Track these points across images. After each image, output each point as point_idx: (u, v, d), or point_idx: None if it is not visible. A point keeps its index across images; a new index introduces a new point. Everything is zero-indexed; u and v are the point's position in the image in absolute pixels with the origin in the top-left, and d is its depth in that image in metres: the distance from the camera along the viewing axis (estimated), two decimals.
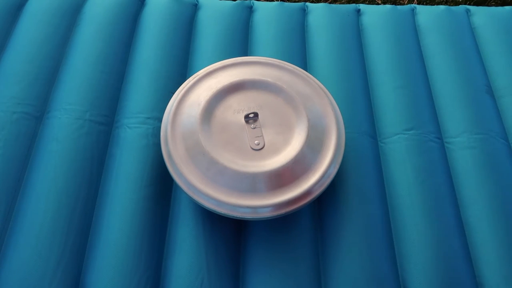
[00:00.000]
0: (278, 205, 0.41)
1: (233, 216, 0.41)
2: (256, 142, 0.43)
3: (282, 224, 0.44)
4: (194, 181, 0.41)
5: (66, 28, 0.56)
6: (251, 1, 0.63)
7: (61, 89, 0.51)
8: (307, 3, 0.63)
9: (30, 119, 0.49)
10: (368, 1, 1.28)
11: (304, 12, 0.62)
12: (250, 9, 0.62)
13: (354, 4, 0.64)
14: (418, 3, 1.29)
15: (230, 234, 0.44)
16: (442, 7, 0.64)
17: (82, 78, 0.51)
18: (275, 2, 0.63)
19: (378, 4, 1.27)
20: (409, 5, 0.64)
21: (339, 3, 1.24)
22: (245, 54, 0.57)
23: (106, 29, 0.56)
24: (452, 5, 0.66)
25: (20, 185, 0.45)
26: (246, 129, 0.44)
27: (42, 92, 0.51)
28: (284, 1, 1.11)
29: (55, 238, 0.42)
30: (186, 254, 0.43)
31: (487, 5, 1.20)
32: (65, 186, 0.45)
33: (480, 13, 0.62)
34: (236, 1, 0.62)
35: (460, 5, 0.65)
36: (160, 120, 0.48)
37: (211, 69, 0.48)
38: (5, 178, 0.45)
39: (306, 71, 0.53)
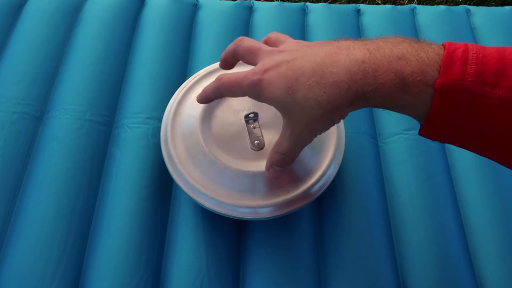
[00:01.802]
0: (278, 206, 0.41)
1: (233, 216, 0.41)
2: (256, 142, 0.43)
3: (282, 224, 0.44)
4: (194, 181, 0.41)
5: (66, 28, 0.56)
6: (251, 1, 0.63)
7: (61, 89, 0.51)
8: (307, 3, 0.63)
9: (30, 119, 0.49)
10: (368, 1, 1.28)
11: (304, 12, 0.62)
12: (250, 9, 0.62)
13: (354, 4, 0.64)
14: (418, 3, 1.29)
15: (230, 234, 0.44)
16: (442, 7, 0.64)
17: (82, 78, 0.51)
18: (275, 2, 0.63)
19: (378, 4, 1.27)
20: (409, 5, 0.64)
21: (339, 3, 1.24)
22: None
23: (106, 29, 0.56)
24: (452, 5, 0.66)
25: (20, 185, 0.45)
26: (246, 129, 0.44)
27: (42, 92, 0.51)
28: (284, 1, 1.11)
29: (55, 238, 0.42)
30: (186, 254, 0.43)
31: (487, 5, 1.21)
32: (65, 186, 0.45)
33: (480, 13, 0.62)
34: (236, 1, 0.62)
35: (460, 5, 0.65)
36: (160, 120, 0.48)
37: (211, 69, 0.48)
38: (5, 178, 0.45)
39: None
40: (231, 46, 0.38)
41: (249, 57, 0.36)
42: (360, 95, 0.30)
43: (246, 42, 0.37)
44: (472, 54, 0.28)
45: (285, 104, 0.32)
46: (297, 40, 0.36)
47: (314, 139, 0.37)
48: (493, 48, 0.29)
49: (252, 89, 0.33)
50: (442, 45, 0.30)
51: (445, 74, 0.28)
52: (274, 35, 0.38)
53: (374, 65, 0.29)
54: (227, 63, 0.40)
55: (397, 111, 0.31)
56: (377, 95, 0.30)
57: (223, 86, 0.36)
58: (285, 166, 0.37)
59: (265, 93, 0.33)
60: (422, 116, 0.30)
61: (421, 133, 0.31)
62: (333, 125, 0.33)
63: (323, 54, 0.31)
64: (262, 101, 0.35)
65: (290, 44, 0.35)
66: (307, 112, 0.31)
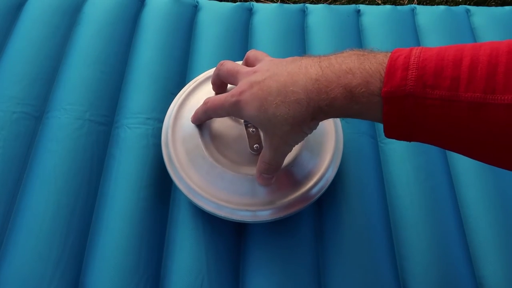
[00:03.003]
0: (278, 208, 0.41)
1: (233, 219, 0.41)
2: (255, 146, 0.43)
3: (282, 224, 0.44)
4: (194, 184, 0.42)
5: (66, 28, 0.56)
6: (251, 3, 0.63)
7: (61, 89, 0.51)
8: (307, 4, 0.63)
9: (30, 119, 0.49)
10: (368, 1, 1.28)
11: (303, 13, 0.62)
12: (250, 11, 0.62)
13: (354, 5, 0.64)
14: (418, 3, 1.29)
15: (230, 235, 0.44)
16: (442, 7, 0.64)
17: (82, 78, 0.51)
18: (275, 4, 0.63)
19: (378, 4, 1.27)
20: (409, 5, 0.64)
21: (339, 3, 1.24)
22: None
23: (106, 29, 0.56)
24: (452, 5, 0.66)
25: (20, 185, 0.45)
26: (245, 133, 0.44)
27: (41, 92, 0.51)
28: (284, 3, 1.11)
29: (54, 238, 0.42)
30: (186, 255, 0.43)
31: (487, 5, 1.21)
32: (64, 186, 0.45)
33: (480, 13, 0.62)
34: (236, 3, 0.62)
35: (460, 5, 0.65)
36: (160, 120, 0.49)
37: (211, 73, 0.48)
38: (4, 178, 0.45)
39: None
40: (214, 70, 0.43)
41: (230, 79, 0.40)
42: (318, 110, 0.33)
43: (226, 65, 0.41)
44: (413, 59, 0.30)
45: (260, 121, 0.36)
46: (271, 58, 0.39)
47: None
48: (436, 48, 0.30)
49: (233, 109, 0.37)
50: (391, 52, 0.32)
51: (388, 82, 0.30)
52: (252, 53, 0.42)
53: (326, 81, 0.32)
54: (217, 86, 0.44)
55: (357, 118, 0.34)
56: (332, 108, 0.33)
57: (210, 110, 0.41)
58: (273, 174, 0.40)
59: (243, 112, 0.36)
60: (381, 121, 0.32)
61: (385, 135, 0.33)
62: (306, 135, 0.37)
63: (286, 74, 0.35)
64: (243, 119, 0.43)
65: (263, 63, 0.38)
66: (279, 127, 0.35)
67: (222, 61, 0.42)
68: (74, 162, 0.46)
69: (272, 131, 0.36)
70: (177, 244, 0.43)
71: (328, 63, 0.33)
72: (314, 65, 0.34)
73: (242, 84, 0.37)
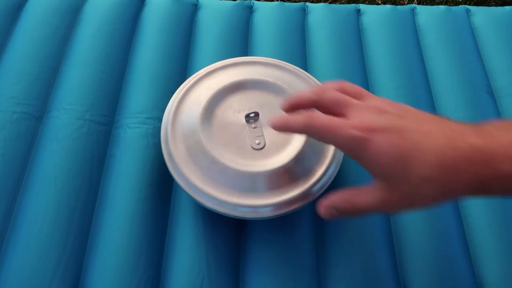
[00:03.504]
0: (279, 205, 0.41)
1: (234, 216, 0.41)
2: (256, 141, 0.43)
3: (282, 223, 0.44)
4: (194, 180, 0.41)
5: (66, 28, 0.56)
6: (251, 1, 0.63)
7: (61, 89, 0.51)
8: (307, 3, 0.63)
9: (30, 119, 0.49)
10: (368, 1, 1.28)
11: (304, 12, 0.62)
12: (250, 9, 0.62)
13: (354, 4, 0.64)
14: (418, 3, 1.29)
15: (231, 234, 0.44)
16: (442, 7, 0.64)
17: (82, 78, 0.51)
18: (275, 2, 0.63)
19: (378, 4, 1.27)
20: (409, 5, 0.64)
21: (339, 3, 1.24)
22: (245, 54, 0.57)
23: (106, 29, 0.56)
24: (452, 5, 0.66)
25: (20, 186, 0.45)
26: (247, 129, 0.44)
27: (42, 92, 0.51)
28: (284, 1, 1.11)
29: (55, 238, 0.42)
30: (187, 254, 0.43)
31: (487, 5, 1.20)
32: (65, 186, 0.45)
33: (480, 13, 0.63)
34: (236, 1, 0.62)
35: (460, 5, 0.65)
36: (160, 120, 0.49)
37: (211, 69, 0.48)
38: (4, 178, 0.45)
39: (306, 71, 0.53)
40: (310, 95, 0.35)
41: (335, 109, 0.33)
42: (478, 183, 0.29)
43: (330, 93, 0.34)
44: None
45: (390, 175, 0.30)
46: (382, 98, 0.34)
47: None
48: None
49: (351, 144, 0.31)
50: None
51: None
52: (349, 85, 0.35)
53: (491, 153, 0.29)
54: (294, 109, 0.36)
55: None
56: (498, 183, 0.29)
57: (313, 128, 0.32)
58: (345, 216, 0.34)
59: (367, 154, 0.30)
60: None
61: None
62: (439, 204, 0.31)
63: (441, 135, 0.30)
64: (356, 159, 0.32)
65: (384, 103, 0.33)
66: (417, 191, 0.30)
67: (322, 87, 0.35)
68: (75, 162, 0.46)
69: (399, 190, 0.30)
70: (178, 244, 0.43)
71: (486, 132, 0.29)
72: (473, 134, 0.30)
73: (368, 120, 0.31)
